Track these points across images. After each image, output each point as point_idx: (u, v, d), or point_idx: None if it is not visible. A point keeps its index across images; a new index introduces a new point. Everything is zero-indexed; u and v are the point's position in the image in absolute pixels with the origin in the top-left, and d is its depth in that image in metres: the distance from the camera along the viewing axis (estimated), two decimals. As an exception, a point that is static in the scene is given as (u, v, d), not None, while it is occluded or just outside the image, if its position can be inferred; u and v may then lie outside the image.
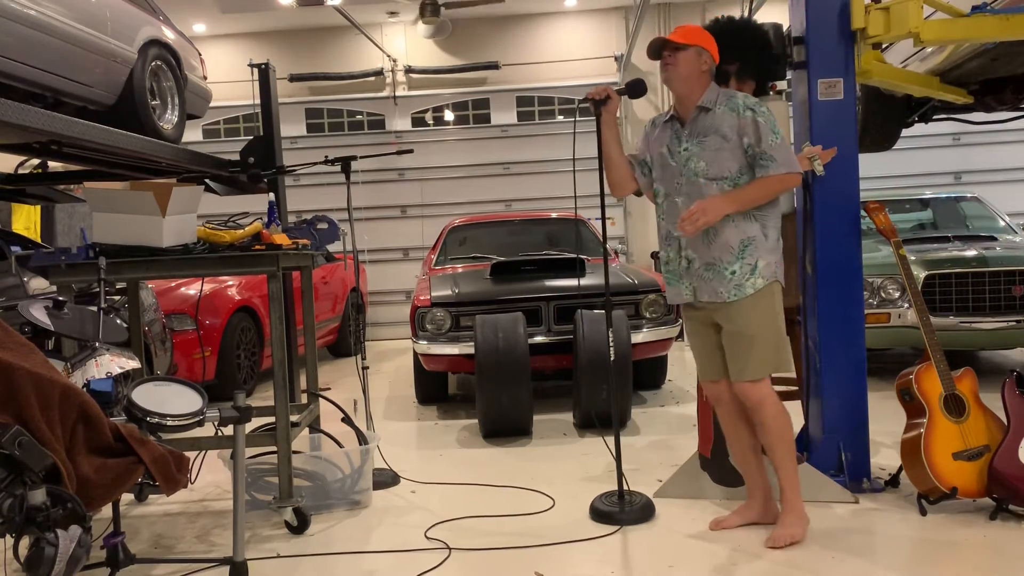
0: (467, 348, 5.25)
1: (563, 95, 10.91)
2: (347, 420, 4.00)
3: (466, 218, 7.71)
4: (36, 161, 4.79)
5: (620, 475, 3.44)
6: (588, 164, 3.47)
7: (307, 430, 4.05)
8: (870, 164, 5.16)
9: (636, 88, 3.36)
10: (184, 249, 3.44)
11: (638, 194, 3.41)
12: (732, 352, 3.09)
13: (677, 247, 3.17)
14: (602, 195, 3.43)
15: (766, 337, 3.05)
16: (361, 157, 4.50)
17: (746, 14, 4.85)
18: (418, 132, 10.99)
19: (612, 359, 3.47)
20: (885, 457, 3.96)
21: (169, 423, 2.63)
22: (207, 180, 5.04)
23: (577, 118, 3.29)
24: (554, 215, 7.79)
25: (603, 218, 3.50)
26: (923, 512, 3.27)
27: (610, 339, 3.44)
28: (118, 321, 3.47)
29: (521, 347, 4.81)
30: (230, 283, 6.73)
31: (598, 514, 3.41)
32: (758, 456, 3.26)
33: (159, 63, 4.82)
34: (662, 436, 4.78)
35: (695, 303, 3.16)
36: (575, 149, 3.45)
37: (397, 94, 10.97)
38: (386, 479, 4.06)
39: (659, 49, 3.10)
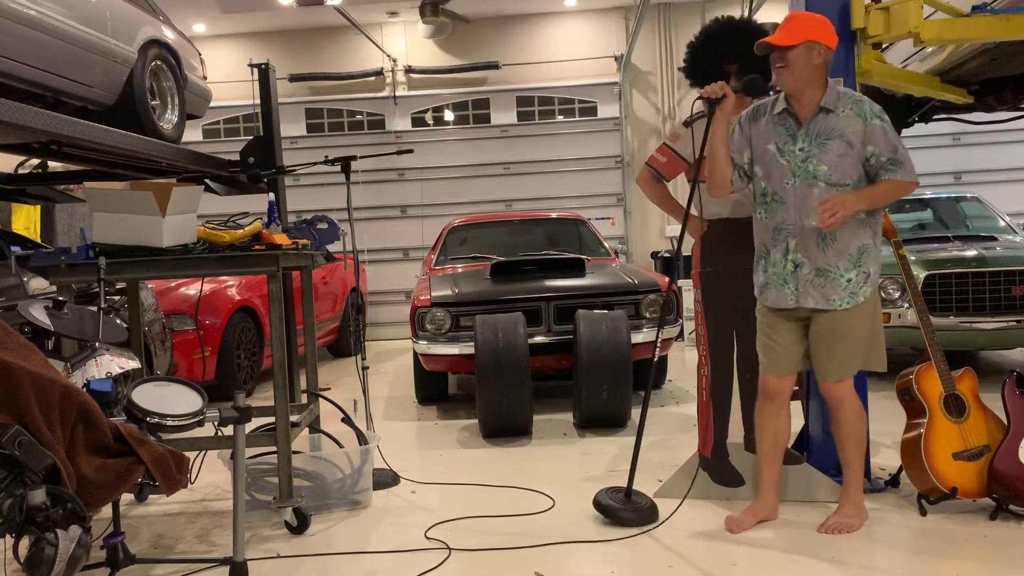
0: (467, 348, 5.25)
1: (563, 95, 10.90)
2: (347, 420, 4.00)
3: (466, 218, 7.71)
4: (36, 161, 4.79)
5: (632, 475, 3.42)
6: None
7: (307, 430, 4.05)
8: (870, 164, 5.15)
9: (753, 86, 3.22)
10: (184, 249, 3.44)
11: (735, 192, 3.31)
12: (828, 354, 3.09)
13: (784, 249, 3.08)
14: (692, 196, 3.28)
15: (870, 341, 3.10)
16: (361, 157, 4.50)
17: (746, 14, 4.86)
18: (418, 132, 10.99)
19: (654, 359, 3.35)
20: (885, 457, 3.96)
21: (169, 423, 2.63)
22: (207, 180, 5.04)
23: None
24: (554, 215, 7.79)
25: (685, 216, 3.31)
26: (923, 512, 3.27)
27: (659, 337, 3.39)
28: (118, 321, 3.47)
29: (521, 347, 4.81)
30: (230, 283, 6.73)
31: (601, 508, 3.38)
32: (781, 457, 3.29)
33: (159, 63, 4.82)
34: (662, 436, 4.78)
35: (797, 309, 3.10)
36: (699, 153, 3.20)
37: (397, 94, 10.97)
38: (386, 479, 4.06)
39: (768, 52, 3.01)
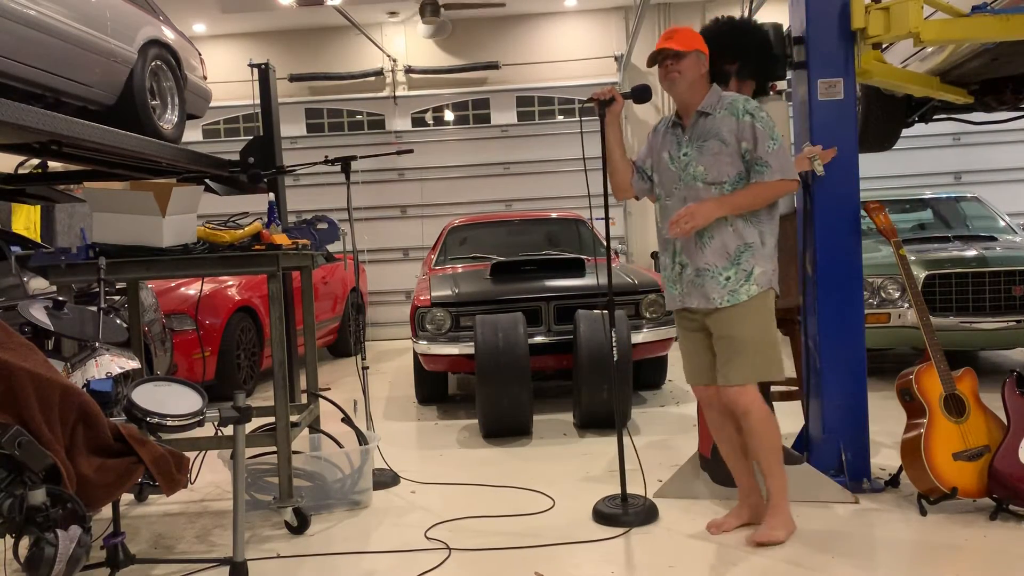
0: (467, 348, 5.25)
1: (563, 95, 10.91)
2: (347, 420, 4.00)
3: (466, 218, 7.71)
4: (36, 161, 4.79)
5: (624, 480, 3.43)
6: (591, 164, 3.46)
7: (307, 430, 4.05)
8: (870, 164, 5.16)
9: (641, 94, 3.31)
10: (184, 249, 3.44)
11: (637, 198, 3.40)
12: (721, 357, 3.08)
13: (672, 252, 3.16)
14: (605, 195, 3.42)
15: (757, 344, 3.03)
16: (361, 157, 4.50)
17: (746, 14, 4.85)
18: (418, 132, 10.99)
19: (612, 358, 3.46)
20: (885, 457, 3.96)
21: (169, 423, 2.64)
22: (207, 180, 5.05)
23: (581, 118, 3.30)
24: (554, 215, 7.79)
25: (606, 218, 3.48)
26: (923, 512, 3.27)
27: (611, 339, 3.42)
28: (118, 321, 3.47)
29: (521, 347, 4.81)
30: (230, 283, 6.73)
31: (601, 517, 3.39)
32: (748, 458, 3.26)
33: (159, 63, 4.82)
34: (662, 436, 4.78)
35: (687, 309, 3.15)
36: (584, 149, 3.43)
37: (397, 94, 10.97)
38: (386, 479, 4.06)
39: (661, 59, 3.08)
